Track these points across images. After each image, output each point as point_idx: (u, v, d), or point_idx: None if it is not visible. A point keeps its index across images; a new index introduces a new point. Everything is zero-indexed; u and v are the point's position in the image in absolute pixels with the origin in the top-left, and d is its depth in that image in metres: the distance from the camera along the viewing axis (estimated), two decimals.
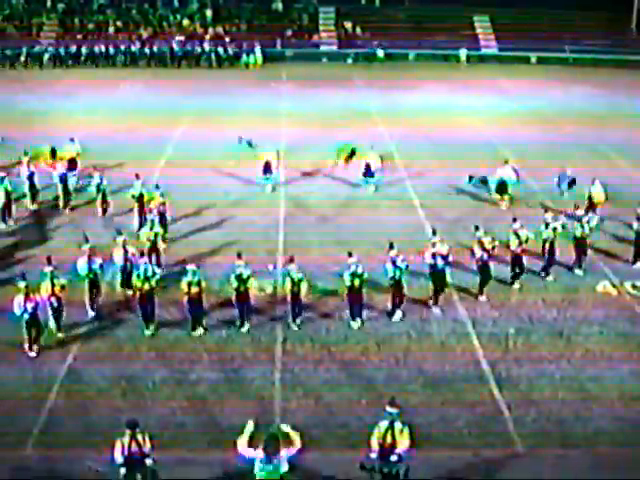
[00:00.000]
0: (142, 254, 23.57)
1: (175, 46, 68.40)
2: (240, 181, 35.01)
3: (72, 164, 34.02)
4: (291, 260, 22.86)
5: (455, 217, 30.84)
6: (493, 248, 24.54)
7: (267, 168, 33.58)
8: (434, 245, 24.15)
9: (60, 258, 23.92)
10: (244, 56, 67.30)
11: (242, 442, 14.86)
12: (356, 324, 22.79)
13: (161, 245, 26.31)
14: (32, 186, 31.70)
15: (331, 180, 35.54)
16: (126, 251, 24.24)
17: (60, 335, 22.13)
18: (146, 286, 22.18)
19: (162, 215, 28.03)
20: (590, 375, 20.64)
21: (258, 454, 14.50)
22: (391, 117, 46.74)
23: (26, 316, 20.98)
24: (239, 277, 22.36)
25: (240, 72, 65.15)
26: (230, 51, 67.91)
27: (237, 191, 33.87)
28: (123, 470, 15.24)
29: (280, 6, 73.67)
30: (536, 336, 22.57)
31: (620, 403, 19.49)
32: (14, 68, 65.97)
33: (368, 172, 33.86)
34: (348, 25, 72.31)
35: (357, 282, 22.47)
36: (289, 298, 22.80)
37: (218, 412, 19.06)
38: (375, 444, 15.58)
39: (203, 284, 22.24)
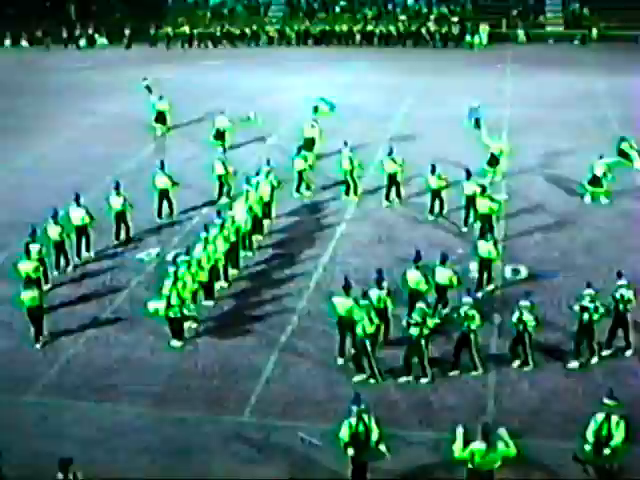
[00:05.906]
0: None
1: (399, 26, 68.57)
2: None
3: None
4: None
5: None
6: None
7: (492, 160, 31.55)
8: None
9: None
10: (468, 36, 66.73)
11: (457, 447, 14.69)
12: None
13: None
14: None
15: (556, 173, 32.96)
16: None
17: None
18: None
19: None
20: None
21: (477, 445, 14.45)
22: (619, 101, 44.71)
23: None
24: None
25: (464, 52, 64.60)
26: (455, 31, 67.46)
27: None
28: (351, 451, 15.44)
29: None
30: None
31: None
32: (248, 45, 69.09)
33: (595, 181, 29.81)
34: (575, 6, 70.45)
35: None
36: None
37: (431, 392, 19.08)
38: (590, 436, 15.29)
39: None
